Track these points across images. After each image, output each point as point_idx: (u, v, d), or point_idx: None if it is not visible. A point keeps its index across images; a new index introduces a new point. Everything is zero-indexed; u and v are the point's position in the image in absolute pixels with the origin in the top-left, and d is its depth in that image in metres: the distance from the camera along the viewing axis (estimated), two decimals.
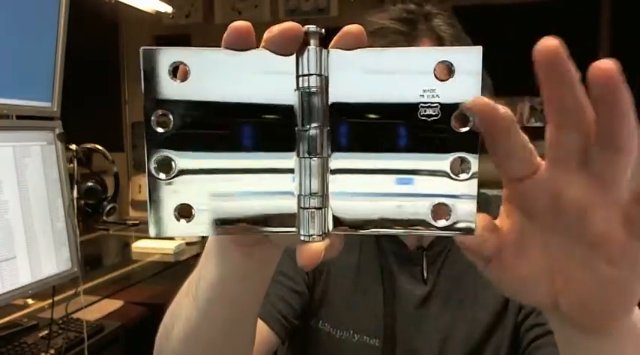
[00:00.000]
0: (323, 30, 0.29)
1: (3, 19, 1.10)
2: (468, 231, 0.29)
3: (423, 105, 0.28)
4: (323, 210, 0.29)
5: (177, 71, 0.28)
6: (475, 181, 0.29)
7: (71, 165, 1.28)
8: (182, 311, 0.44)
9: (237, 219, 0.30)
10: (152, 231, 0.29)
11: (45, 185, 1.19)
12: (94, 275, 1.92)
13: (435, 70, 0.28)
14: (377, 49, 0.29)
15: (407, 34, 0.62)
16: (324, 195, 0.29)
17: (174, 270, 2.08)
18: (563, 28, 3.30)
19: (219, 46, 0.30)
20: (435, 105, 0.28)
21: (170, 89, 0.28)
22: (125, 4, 2.78)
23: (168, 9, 3.19)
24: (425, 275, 0.68)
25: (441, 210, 0.29)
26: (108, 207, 1.42)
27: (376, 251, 0.70)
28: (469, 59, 0.28)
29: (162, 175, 0.29)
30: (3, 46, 1.10)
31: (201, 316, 0.41)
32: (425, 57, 0.28)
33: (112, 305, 1.62)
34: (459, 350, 0.66)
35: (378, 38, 0.61)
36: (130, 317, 1.54)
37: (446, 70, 0.28)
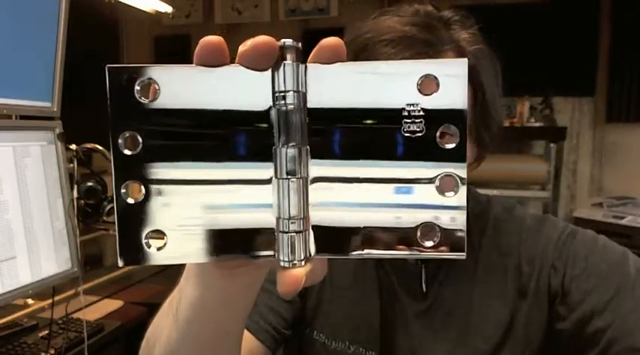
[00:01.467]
0: (299, 44, 0.27)
1: (3, 19, 1.09)
2: (458, 251, 0.27)
3: (407, 121, 0.27)
4: (304, 233, 0.28)
5: (146, 90, 0.27)
6: (464, 199, 0.27)
7: (71, 165, 1.28)
8: (163, 330, 0.43)
9: (212, 244, 0.28)
10: (120, 261, 0.28)
11: (45, 185, 1.19)
12: (94, 275, 1.91)
13: (418, 84, 0.27)
14: (356, 63, 0.27)
15: (434, 44, 0.54)
16: (304, 217, 0.28)
17: (175, 270, 2.07)
18: (563, 28, 3.28)
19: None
20: (419, 120, 0.27)
21: (139, 109, 0.27)
22: (125, 4, 2.78)
23: (168, 9, 3.18)
24: (424, 289, 0.64)
25: (429, 231, 0.27)
26: (108, 207, 1.42)
27: (375, 260, 0.67)
28: (454, 73, 0.26)
29: (131, 200, 0.27)
30: (3, 45, 1.10)
31: (182, 336, 0.40)
32: (408, 71, 0.27)
33: (112, 305, 1.62)
34: None
35: (402, 47, 0.53)
36: (130, 317, 1.54)
37: (430, 84, 0.26)
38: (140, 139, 0.27)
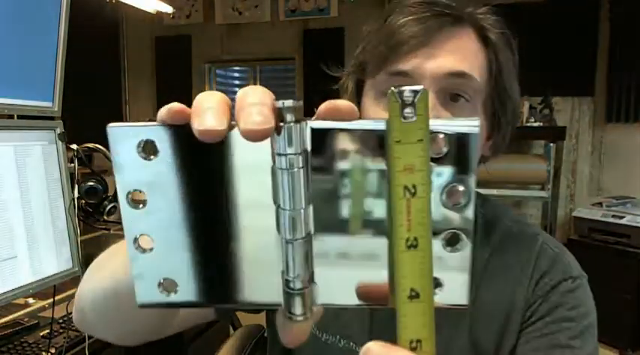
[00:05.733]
0: (300, 102, 0.26)
1: (4, 20, 1.10)
2: (460, 304, 0.28)
3: None
4: (308, 288, 0.28)
5: (148, 148, 0.27)
6: (468, 255, 0.28)
7: (72, 164, 1.28)
8: (115, 260, 0.45)
9: (220, 292, 0.30)
10: (138, 301, 0.30)
11: (46, 184, 1.19)
12: None
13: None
14: (362, 123, 0.27)
15: (454, 8, 0.56)
16: (309, 273, 0.28)
17: None
18: (562, 28, 3.27)
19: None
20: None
21: (140, 167, 0.27)
22: (126, 4, 2.79)
23: (168, 9, 3.19)
24: None
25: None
26: (109, 207, 1.42)
27: None
28: (463, 131, 0.26)
29: (141, 251, 0.29)
30: (4, 46, 1.10)
31: (123, 282, 0.41)
32: None
33: None
34: None
35: (425, 9, 0.56)
36: None
37: (439, 143, 0.26)
38: (145, 194, 0.28)
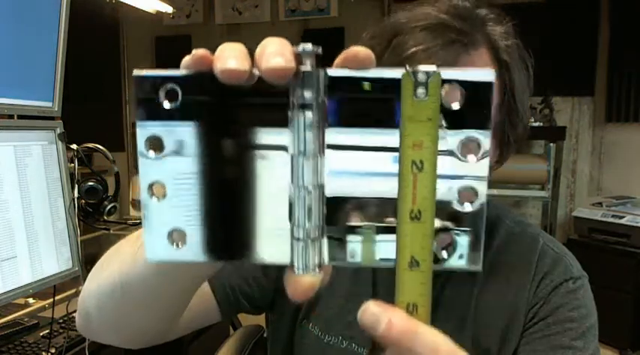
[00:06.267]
0: (320, 49, 0.27)
1: (4, 20, 1.10)
2: (473, 264, 0.27)
3: None
4: (318, 241, 0.28)
5: (171, 95, 0.27)
6: (482, 214, 0.27)
7: (72, 164, 1.28)
8: (120, 258, 0.45)
9: (229, 246, 0.29)
10: (147, 253, 0.29)
11: (46, 184, 1.19)
12: None
13: (443, 94, 0.26)
14: (380, 72, 0.27)
15: (467, 34, 0.54)
16: (319, 225, 0.28)
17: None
18: (562, 27, 3.26)
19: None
20: (441, 133, 0.26)
21: (161, 114, 0.28)
22: (126, 4, 2.79)
23: (168, 9, 3.19)
24: None
25: (444, 243, 0.27)
26: (109, 207, 1.42)
27: None
28: (479, 83, 0.26)
29: (155, 199, 0.28)
30: (4, 46, 1.10)
31: (133, 277, 0.42)
32: None
33: None
34: None
35: (436, 34, 0.54)
36: None
37: (454, 93, 0.26)
38: (164, 141, 0.28)
